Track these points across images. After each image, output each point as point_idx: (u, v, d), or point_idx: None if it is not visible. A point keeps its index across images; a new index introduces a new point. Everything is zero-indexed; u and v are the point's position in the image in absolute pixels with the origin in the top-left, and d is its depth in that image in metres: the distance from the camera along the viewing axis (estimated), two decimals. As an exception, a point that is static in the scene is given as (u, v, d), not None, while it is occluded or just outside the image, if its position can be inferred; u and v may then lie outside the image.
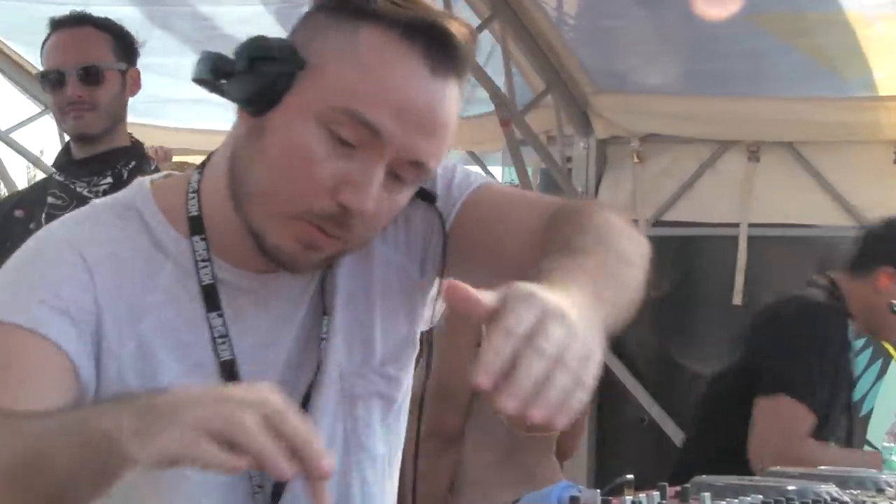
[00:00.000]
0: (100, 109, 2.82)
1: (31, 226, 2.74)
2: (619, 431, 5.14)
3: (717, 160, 4.92)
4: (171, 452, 1.00)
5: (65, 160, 2.90)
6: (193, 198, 1.36)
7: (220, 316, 1.34)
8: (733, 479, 1.65)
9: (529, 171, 5.07)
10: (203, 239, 1.34)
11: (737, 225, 4.86)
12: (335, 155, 1.24)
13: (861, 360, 4.85)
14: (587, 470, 4.98)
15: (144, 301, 1.32)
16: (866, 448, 4.80)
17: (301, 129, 1.25)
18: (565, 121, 5.02)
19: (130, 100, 6.04)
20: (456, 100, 1.31)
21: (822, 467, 2.02)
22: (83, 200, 2.71)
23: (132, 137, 3.01)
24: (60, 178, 2.86)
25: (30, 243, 1.35)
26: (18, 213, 2.86)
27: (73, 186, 2.80)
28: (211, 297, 1.34)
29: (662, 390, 5.01)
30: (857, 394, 4.85)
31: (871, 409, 4.89)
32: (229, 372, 1.32)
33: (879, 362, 4.94)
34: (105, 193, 2.74)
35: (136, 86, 2.99)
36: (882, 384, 4.89)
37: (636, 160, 5.01)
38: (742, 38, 4.41)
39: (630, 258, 1.35)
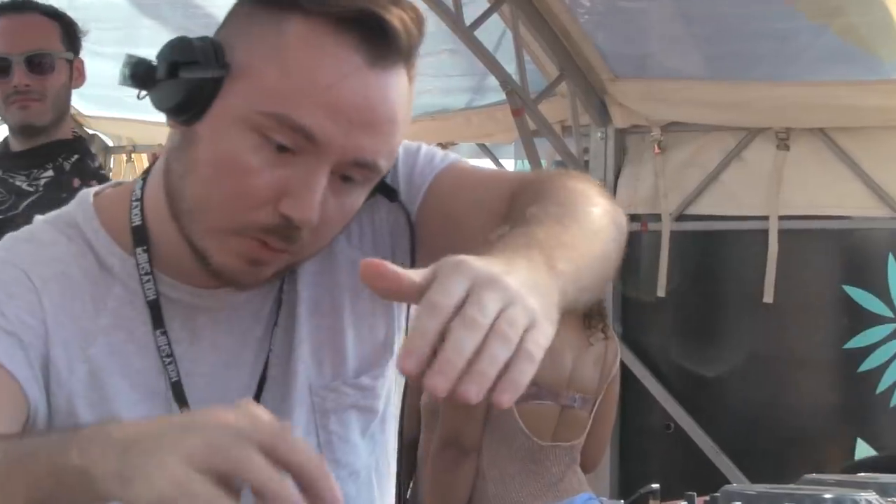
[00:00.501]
0: (48, 100, 2.81)
1: None
2: (644, 439, 5.13)
3: (744, 149, 4.93)
4: (162, 495, 0.90)
5: (3, 152, 2.88)
6: (136, 206, 1.31)
7: (164, 334, 1.30)
8: (766, 488, 1.64)
9: (544, 163, 5.06)
10: (145, 251, 1.30)
11: (766, 217, 4.86)
12: (272, 163, 1.20)
13: (885, 350, 4.89)
14: (611, 479, 4.96)
15: (95, 324, 1.30)
16: None
17: (231, 137, 1.20)
18: (581, 110, 5.01)
19: (118, 95, 6.12)
20: (403, 90, 1.25)
21: (861, 474, 2.02)
22: (22, 195, 2.76)
23: (75, 131, 3.03)
24: None
25: None
26: None
27: (11, 180, 2.79)
28: (155, 313, 1.30)
29: (689, 395, 4.99)
30: (883, 384, 4.86)
31: None
32: (179, 395, 1.29)
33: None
34: (46, 186, 2.78)
35: (81, 77, 2.97)
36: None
37: (657, 151, 5.01)
38: (770, 17, 4.41)
39: (595, 227, 1.25)
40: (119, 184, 1.42)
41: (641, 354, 5.05)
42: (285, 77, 1.19)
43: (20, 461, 1.03)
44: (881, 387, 4.89)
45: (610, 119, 5.04)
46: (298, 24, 1.20)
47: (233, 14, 1.27)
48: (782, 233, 4.82)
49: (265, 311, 1.35)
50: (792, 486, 1.73)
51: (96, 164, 3.02)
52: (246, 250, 1.22)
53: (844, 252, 5.06)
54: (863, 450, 4.85)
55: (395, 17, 1.20)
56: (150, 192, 1.31)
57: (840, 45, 4.48)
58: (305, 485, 0.92)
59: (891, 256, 4.90)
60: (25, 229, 1.36)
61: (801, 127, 4.81)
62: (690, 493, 1.51)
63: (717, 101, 4.82)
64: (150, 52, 3.79)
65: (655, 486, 1.63)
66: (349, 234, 1.37)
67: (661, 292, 4.99)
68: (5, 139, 2.92)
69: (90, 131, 6.04)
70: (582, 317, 3.15)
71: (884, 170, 4.76)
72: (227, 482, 0.90)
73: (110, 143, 6.19)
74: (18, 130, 2.84)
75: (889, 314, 4.91)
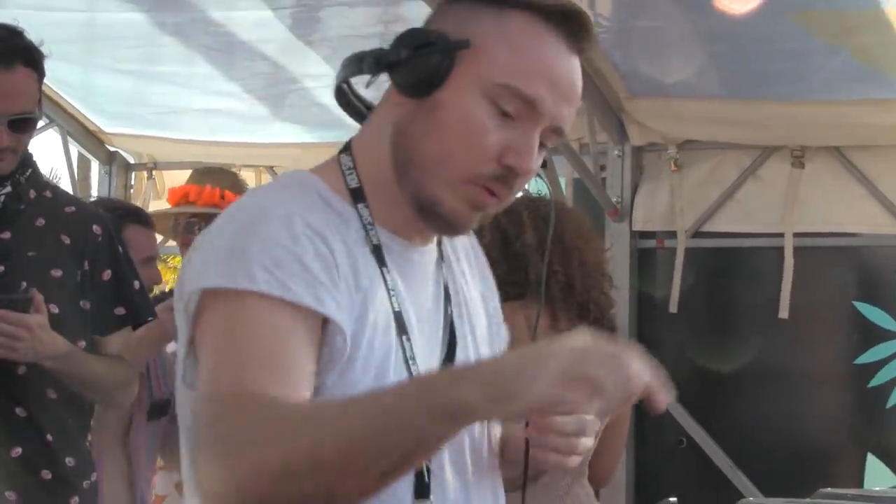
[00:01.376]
0: (19, 153, 2.85)
1: None
2: (659, 454, 5.12)
3: (760, 167, 4.93)
4: (543, 401, 1.26)
5: None
6: (351, 173, 1.55)
7: (388, 271, 1.51)
8: (782, 502, 1.65)
9: (562, 181, 5.08)
10: (366, 206, 1.52)
11: (781, 235, 4.86)
12: (499, 125, 1.47)
13: (884, 348, 4.90)
14: (626, 494, 4.96)
15: (358, 261, 1.48)
16: None
17: (471, 103, 1.47)
18: (598, 127, 5.00)
19: (140, 112, 6.13)
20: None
21: (877, 488, 2.02)
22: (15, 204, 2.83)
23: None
24: None
25: (243, 220, 1.47)
26: None
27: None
28: (380, 256, 1.51)
29: (704, 411, 4.99)
30: (893, 400, 4.86)
31: None
32: (399, 323, 1.50)
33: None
34: (6, 199, 2.84)
35: (40, 106, 2.99)
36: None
37: (674, 168, 5.02)
38: (785, 38, 4.40)
39: None
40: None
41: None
42: (515, 56, 1.47)
43: (409, 408, 1.27)
44: (891, 402, 4.91)
45: (627, 137, 5.05)
46: (517, 16, 1.49)
47: (446, 11, 1.56)
48: (798, 250, 4.82)
49: (433, 274, 1.62)
50: (808, 500, 1.74)
51: (44, 174, 3.08)
52: (475, 196, 1.49)
53: (860, 270, 5.07)
54: (873, 464, 4.86)
55: (588, 14, 1.51)
56: (364, 161, 1.56)
57: (854, 64, 4.49)
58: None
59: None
60: (272, 184, 1.65)
61: (817, 145, 4.81)
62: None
63: (733, 120, 4.83)
64: (173, 70, 3.80)
65: (673, 499, 1.65)
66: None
67: (673, 308, 5.00)
68: None
69: (111, 148, 6.08)
70: (591, 330, 3.15)
71: (896, 187, 4.76)
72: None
73: (131, 161, 6.15)
74: None
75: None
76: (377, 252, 1.51)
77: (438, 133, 1.48)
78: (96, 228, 2.90)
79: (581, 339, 1.29)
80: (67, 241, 2.85)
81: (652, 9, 4.46)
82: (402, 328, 1.49)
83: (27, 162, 2.91)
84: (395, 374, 1.46)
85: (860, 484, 4.56)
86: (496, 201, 1.51)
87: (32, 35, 2.97)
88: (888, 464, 4.82)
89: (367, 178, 1.54)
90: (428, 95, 1.48)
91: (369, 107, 1.61)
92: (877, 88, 4.58)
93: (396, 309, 1.49)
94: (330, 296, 1.40)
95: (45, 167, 6.22)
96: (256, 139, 5.65)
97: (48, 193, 2.95)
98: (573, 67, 1.51)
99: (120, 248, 2.95)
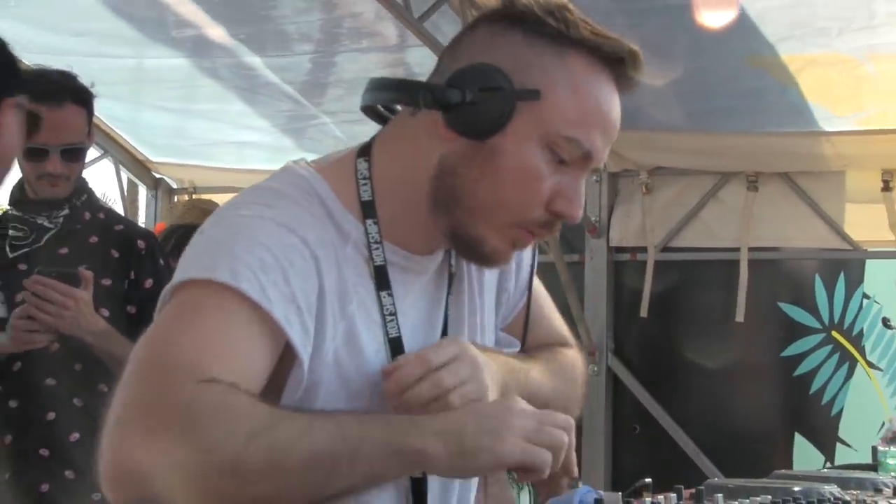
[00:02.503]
0: (72, 179, 2.84)
1: None
2: (632, 438, 5.12)
3: (720, 190, 4.92)
4: (510, 458, 1.17)
5: (20, 198, 2.87)
6: (365, 184, 1.35)
7: (390, 295, 1.34)
8: (743, 482, 1.65)
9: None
10: (375, 223, 1.33)
11: (738, 249, 4.85)
12: (552, 171, 1.29)
13: (829, 365, 4.99)
14: (604, 476, 4.98)
15: (347, 285, 1.31)
16: (838, 445, 4.94)
17: (531, 152, 1.28)
18: (579, 156, 5.00)
19: (181, 144, 6.14)
20: None
21: (825, 470, 2.02)
22: (41, 230, 2.79)
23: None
24: (17, 213, 2.84)
25: (236, 220, 1.29)
26: None
27: (32, 219, 2.81)
28: (382, 277, 1.33)
29: (672, 399, 5.00)
30: (827, 395, 4.96)
31: (842, 409, 5.01)
32: (396, 348, 1.33)
33: (846, 366, 5.08)
34: (64, 221, 2.83)
35: (92, 138, 2.97)
36: (850, 386, 4.99)
37: (645, 191, 5.00)
38: (742, 78, 4.42)
39: (565, 379, 1.55)
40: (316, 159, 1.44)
41: (629, 365, 5.06)
42: (579, 108, 1.28)
43: (372, 441, 1.15)
44: (813, 388, 5.00)
45: (604, 164, 5.02)
46: (578, 59, 1.29)
47: (496, 39, 1.31)
48: (752, 262, 4.81)
49: (444, 281, 1.44)
50: (766, 480, 1.74)
51: (98, 197, 3.04)
52: (518, 238, 1.33)
53: (807, 279, 5.09)
54: (800, 442, 4.98)
55: (641, 55, 1.33)
56: (382, 176, 1.35)
57: (802, 101, 4.50)
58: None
59: (817, 277, 5.03)
60: (271, 184, 1.34)
61: (769, 171, 4.80)
62: (678, 486, 1.51)
63: (696, 149, 4.83)
64: (209, 107, 3.80)
65: (648, 480, 1.63)
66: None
67: (643, 312, 4.99)
68: (20, 183, 2.88)
69: (157, 175, 6.09)
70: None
71: (839, 208, 4.76)
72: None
73: (174, 186, 6.18)
74: (45, 200, 2.84)
75: (817, 325, 5.01)
76: (380, 273, 1.33)
77: (495, 180, 1.28)
78: (140, 243, 2.88)
79: (526, 407, 1.22)
80: (116, 254, 2.84)
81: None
82: (396, 350, 1.33)
83: (83, 188, 2.91)
84: (382, 402, 1.30)
85: (790, 459, 4.64)
86: (535, 240, 1.36)
87: (86, 78, 2.97)
88: (812, 442, 4.96)
89: (380, 191, 1.34)
90: (485, 139, 1.27)
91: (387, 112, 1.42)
92: (821, 122, 4.59)
93: (392, 335, 1.33)
94: (298, 320, 1.23)
95: (99, 192, 6.26)
96: (279, 166, 5.65)
97: (101, 215, 2.93)
98: (618, 109, 1.33)
99: (161, 260, 2.92)
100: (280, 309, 1.21)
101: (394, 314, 1.34)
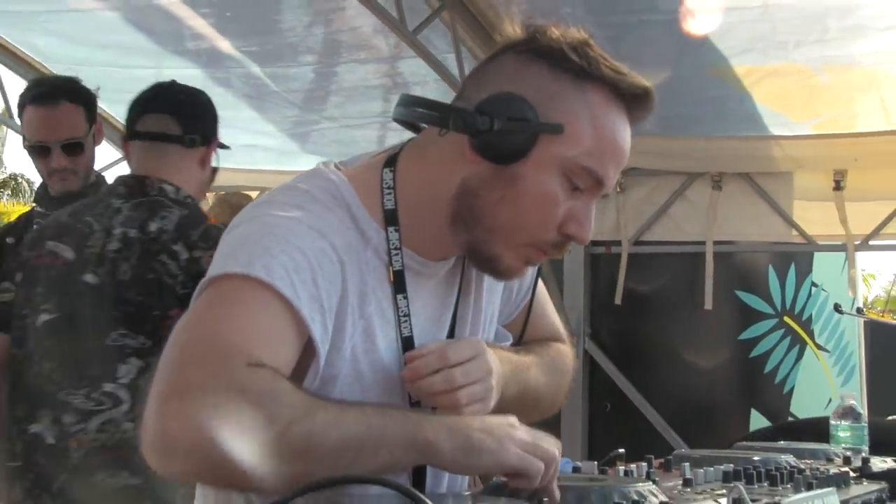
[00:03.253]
0: (80, 172, 2.80)
1: (20, 249, 2.66)
2: (606, 413, 5.14)
3: (687, 189, 4.92)
4: (508, 464, 1.18)
5: (44, 195, 2.86)
6: (389, 193, 1.34)
7: (406, 298, 1.33)
8: (708, 452, 1.65)
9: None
10: (397, 230, 1.32)
11: (703, 243, 4.86)
12: (567, 197, 1.29)
13: (781, 347, 5.04)
14: (581, 446, 5.01)
15: (367, 287, 1.30)
16: (790, 420, 5.00)
17: (550, 179, 1.27)
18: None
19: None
20: None
21: (781, 443, 2.03)
22: None
23: (97, 173, 2.94)
24: (41, 210, 2.81)
25: (272, 220, 1.27)
26: (9, 240, 2.79)
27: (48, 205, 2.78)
28: (400, 281, 1.32)
29: (642, 378, 5.04)
30: (780, 375, 5.01)
31: (793, 387, 5.06)
32: (408, 346, 1.33)
33: (797, 348, 5.13)
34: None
35: (100, 136, 2.87)
36: (800, 366, 5.05)
37: (619, 190, 4.99)
38: (706, 87, 4.43)
39: (558, 379, 1.58)
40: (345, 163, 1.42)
41: (604, 348, 5.09)
42: (596, 139, 1.27)
43: (393, 432, 1.16)
44: (767, 368, 5.07)
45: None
46: (596, 93, 1.28)
47: (524, 72, 1.30)
48: (717, 255, 4.83)
49: (454, 284, 1.43)
50: (728, 450, 1.74)
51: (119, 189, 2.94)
52: (531, 256, 1.33)
53: (767, 268, 5.12)
54: (755, 417, 5.04)
55: (654, 93, 1.33)
56: (403, 184, 1.34)
57: (762, 108, 4.52)
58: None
59: (771, 268, 5.08)
60: (303, 186, 1.33)
61: (731, 172, 4.81)
62: (649, 456, 1.52)
63: (666, 152, 4.82)
64: (222, 114, 3.71)
65: (622, 450, 1.63)
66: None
67: (618, 300, 5.01)
68: (43, 183, 2.89)
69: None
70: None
71: (795, 205, 4.77)
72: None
73: (190, 185, 6.17)
74: (61, 195, 2.79)
75: (770, 311, 5.07)
76: (398, 278, 1.32)
77: (515, 204, 1.28)
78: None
79: (523, 428, 1.23)
80: None
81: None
82: (408, 348, 1.33)
83: (100, 183, 2.84)
84: (393, 395, 1.33)
85: (747, 432, 4.67)
86: (545, 258, 1.36)
87: (109, 85, 2.95)
88: (766, 416, 5.01)
89: (403, 201, 1.33)
90: (508, 164, 1.27)
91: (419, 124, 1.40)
92: (780, 127, 4.61)
93: (405, 335, 1.33)
94: (321, 319, 1.23)
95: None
96: (287, 168, 5.64)
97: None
98: (629, 140, 1.33)
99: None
100: (307, 307, 1.21)
101: (407, 315, 1.33)
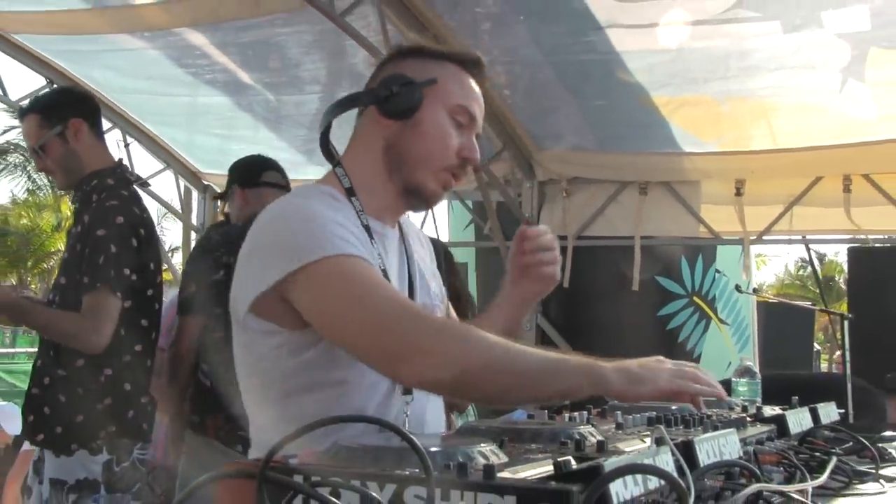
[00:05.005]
0: (57, 170, 2.55)
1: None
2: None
3: (619, 195, 4.94)
4: (664, 387, 1.27)
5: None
6: (345, 178, 1.46)
7: (376, 242, 1.42)
8: (635, 404, 1.66)
9: (494, 203, 5.11)
10: (357, 199, 1.44)
11: (632, 238, 4.88)
12: (456, 133, 1.45)
13: (691, 322, 5.08)
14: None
15: (365, 236, 1.40)
16: None
17: (440, 118, 1.44)
18: (517, 170, 5.02)
19: (224, 160, 6.03)
20: None
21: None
22: (74, 210, 2.59)
23: (111, 160, 2.61)
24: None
25: (292, 213, 1.39)
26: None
27: (72, 198, 2.62)
28: (369, 232, 1.42)
29: (583, 347, 4.96)
30: (690, 343, 5.05)
31: (700, 353, 5.13)
32: (385, 275, 1.41)
33: (703, 322, 5.20)
34: (78, 203, 2.55)
35: (78, 133, 2.53)
36: (706, 337, 5.10)
37: (565, 195, 5.02)
38: (634, 114, 4.46)
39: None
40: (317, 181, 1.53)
41: (553, 322, 5.09)
42: (460, 88, 1.47)
43: (570, 366, 1.27)
44: (681, 338, 5.11)
45: (535, 175, 5.06)
46: (450, 65, 1.48)
47: (399, 64, 1.48)
48: (643, 248, 4.86)
49: (400, 247, 1.52)
50: (651, 402, 1.76)
51: (105, 182, 2.54)
52: (445, 180, 1.46)
53: (680, 258, 5.16)
54: None
55: (483, 59, 1.51)
56: (352, 170, 1.47)
57: (678, 130, 4.55)
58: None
59: (683, 257, 5.12)
60: (305, 190, 1.48)
61: (655, 181, 4.84)
62: (588, 405, 1.53)
63: (603, 164, 4.84)
64: (244, 133, 3.72)
65: (567, 402, 1.65)
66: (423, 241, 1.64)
67: (566, 284, 5.02)
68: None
69: (205, 182, 6.05)
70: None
71: (704, 207, 4.80)
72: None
73: (218, 190, 6.11)
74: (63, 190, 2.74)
75: (682, 292, 5.09)
76: (367, 230, 1.42)
77: (422, 141, 1.43)
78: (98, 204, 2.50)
79: (669, 361, 1.33)
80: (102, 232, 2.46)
81: (552, 96, 4.50)
82: (386, 277, 1.40)
83: (94, 177, 2.54)
84: None
85: None
86: (456, 182, 1.47)
87: (153, 111, 2.88)
88: None
89: (355, 181, 1.45)
90: (411, 117, 1.42)
91: (334, 151, 1.52)
92: (690, 145, 4.64)
93: (383, 268, 1.40)
94: (368, 254, 1.36)
95: (164, 196, 6.20)
96: (297, 176, 5.58)
97: (104, 195, 2.50)
98: (481, 94, 1.50)
99: (100, 230, 2.45)
100: (364, 252, 1.34)
101: (381, 256, 1.42)
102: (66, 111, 2.54)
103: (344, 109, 1.47)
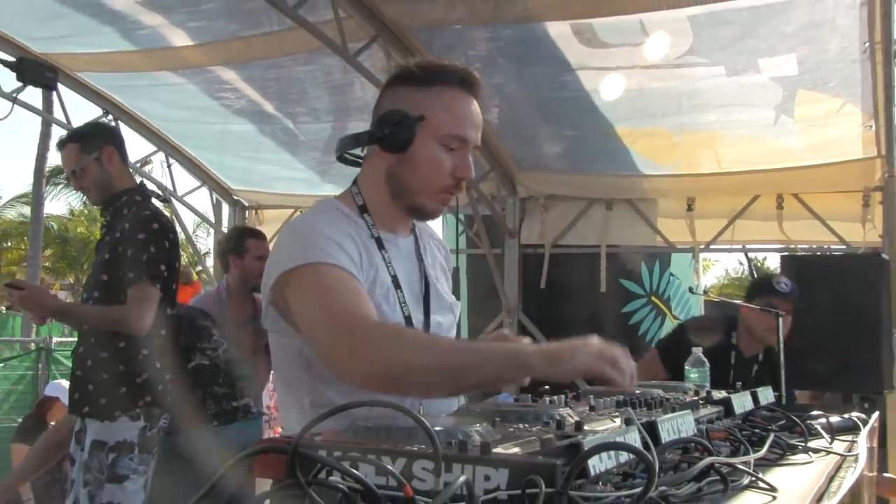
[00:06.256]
0: (92, 188, 2.62)
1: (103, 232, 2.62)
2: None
3: (589, 210, 4.95)
4: (584, 365, 1.17)
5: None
6: (358, 195, 1.43)
7: (386, 252, 1.39)
8: (604, 388, 1.66)
9: (482, 216, 5.12)
10: (369, 215, 1.41)
11: (599, 246, 4.90)
12: (449, 156, 1.36)
13: (650, 318, 5.07)
14: (516, 387, 5.00)
15: (369, 250, 1.37)
16: None
17: (432, 149, 1.36)
18: (502, 187, 5.02)
19: (251, 178, 6.05)
20: None
21: (654, 381, 2.05)
22: (105, 221, 2.63)
23: (134, 181, 2.67)
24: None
25: (295, 227, 1.40)
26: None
27: (103, 213, 2.66)
28: (380, 243, 1.39)
29: (558, 338, 4.93)
30: (649, 336, 5.05)
31: None
32: (396, 283, 1.38)
33: (660, 318, 5.21)
34: (109, 217, 2.60)
35: (111, 159, 2.62)
36: (662, 331, 5.13)
37: (542, 210, 5.02)
38: (602, 142, 4.47)
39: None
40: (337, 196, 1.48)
41: (532, 318, 5.08)
42: (450, 116, 1.36)
43: (492, 355, 1.20)
44: (640, 331, 5.09)
45: (517, 192, 5.06)
46: (444, 90, 1.37)
47: (393, 94, 1.39)
48: (608, 255, 4.87)
49: (413, 248, 1.47)
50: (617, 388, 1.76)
51: (133, 198, 2.61)
52: (443, 199, 1.39)
53: (640, 265, 5.17)
54: None
55: (477, 74, 1.40)
56: (365, 190, 1.43)
57: (637, 156, 4.57)
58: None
59: (643, 263, 5.11)
60: (318, 205, 1.43)
61: (619, 198, 4.85)
62: (565, 390, 1.53)
63: (575, 184, 4.86)
64: (269, 156, 3.69)
65: (547, 387, 1.64)
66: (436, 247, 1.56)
67: (543, 285, 5.04)
68: None
69: (235, 197, 6.04)
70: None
71: (661, 221, 4.83)
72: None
73: (246, 204, 6.13)
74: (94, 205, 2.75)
75: (642, 293, 5.08)
76: (378, 242, 1.38)
77: (418, 170, 1.36)
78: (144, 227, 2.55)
79: (597, 341, 1.22)
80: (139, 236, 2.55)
81: (532, 126, 4.52)
82: (397, 285, 1.38)
83: (123, 195, 2.61)
84: (393, 312, 1.36)
85: None
86: (454, 197, 1.42)
87: (190, 136, 2.86)
88: None
89: (367, 199, 1.42)
90: (406, 151, 1.36)
91: (358, 157, 1.48)
92: (649, 169, 4.66)
93: (392, 274, 1.38)
94: (358, 269, 1.30)
95: (202, 208, 6.18)
96: (312, 192, 5.62)
97: (134, 209, 2.59)
98: (477, 109, 1.39)
99: (140, 234, 2.52)
100: (349, 266, 1.29)
101: (390, 263, 1.39)
102: (100, 140, 2.64)
103: (353, 146, 1.43)
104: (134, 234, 2.50)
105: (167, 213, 2.62)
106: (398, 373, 1.17)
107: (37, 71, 4.49)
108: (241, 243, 3.37)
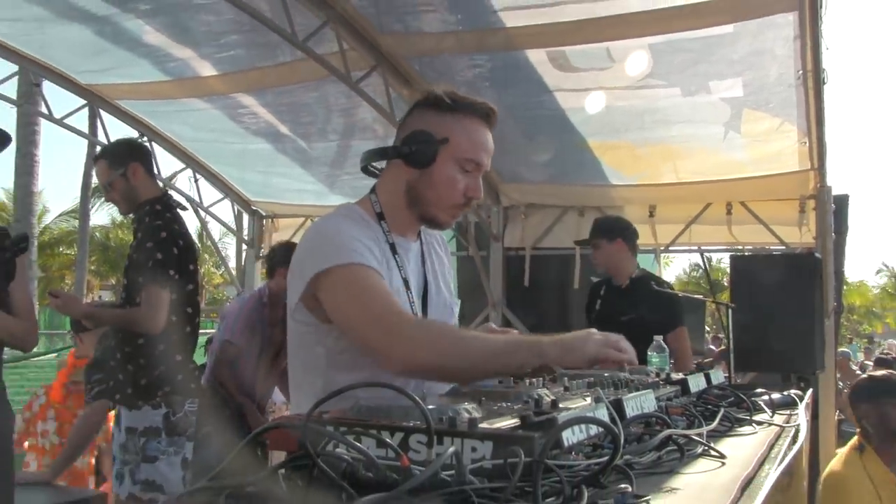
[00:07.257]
0: (120, 200, 2.59)
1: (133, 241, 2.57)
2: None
3: (563, 216, 4.95)
4: (592, 354, 1.19)
5: None
6: (376, 203, 1.41)
7: (399, 257, 1.38)
8: (577, 371, 1.66)
9: (471, 222, 5.11)
10: (385, 222, 1.39)
11: (574, 248, 4.85)
12: (463, 177, 1.35)
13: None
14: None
15: (385, 254, 1.35)
16: None
17: (450, 170, 1.34)
18: (487, 196, 5.01)
19: (268, 190, 6.03)
20: None
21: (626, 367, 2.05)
22: (133, 228, 2.61)
23: (159, 191, 2.61)
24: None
25: (324, 228, 1.34)
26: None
27: (132, 220, 2.64)
28: (394, 248, 1.38)
29: (537, 330, 4.79)
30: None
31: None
32: (406, 285, 1.37)
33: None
34: (136, 225, 2.55)
35: (136, 173, 2.57)
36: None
37: (523, 217, 5.03)
38: (575, 155, 4.48)
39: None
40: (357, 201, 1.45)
41: (516, 313, 5.06)
42: (470, 142, 1.35)
43: (511, 346, 1.20)
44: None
45: (500, 201, 5.06)
46: (466, 118, 1.35)
47: (421, 114, 1.37)
48: (582, 256, 4.84)
49: (419, 257, 1.45)
50: (589, 371, 1.77)
51: (154, 208, 2.54)
52: (454, 213, 1.38)
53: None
54: None
55: (496, 110, 1.38)
56: (383, 198, 1.41)
57: (607, 167, 4.58)
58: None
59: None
60: (341, 209, 1.40)
61: (590, 206, 4.85)
62: (542, 375, 1.53)
63: (552, 194, 4.86)
64: (284, 170, 3.65)
65: (528, 371, 1.63)
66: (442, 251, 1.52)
67: (525, 283, 5.04)
68: None
69: (254, 208, 6.02)
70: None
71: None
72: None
73: (263, 214, 6.12)
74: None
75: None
76: (393, 247, 1.37)
77: (436, 187, 1.35)
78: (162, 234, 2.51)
79: (597, 332, 1.24)
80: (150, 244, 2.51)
81: (513, 142, 4.53)
82: (407, 286, 1.37)
83: (147, 204, 2.56)
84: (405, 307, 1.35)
85: None
86: (463, 213, 1.42)
87: (215, 155, 2.86)
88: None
89: (384, 207, 1.39)
90: (427, 167, 1.34)
91: (376, 168, 1.45)
92: (616, 179, 4.66)
93: (404, 277, 1.37)
94: (383, 268, 1.30)
95: (226, 218, 6.15)
96: (321, 203, 5.63)
97: (156, 219, 2.53)
98: (491, 139, 1.39)
99: (150, 242, 2.48)
100: (376, 264, 1.28)
101: (402, 267, 1.38)
102: (126, 158, 2.59)
103: (379, 158, 1.40)
104: (144, 242, 2.48)
105: (184, 221, 2.59)
106: (436, 365, 1.19)
107: None
108: (288, 257, 3.29)
